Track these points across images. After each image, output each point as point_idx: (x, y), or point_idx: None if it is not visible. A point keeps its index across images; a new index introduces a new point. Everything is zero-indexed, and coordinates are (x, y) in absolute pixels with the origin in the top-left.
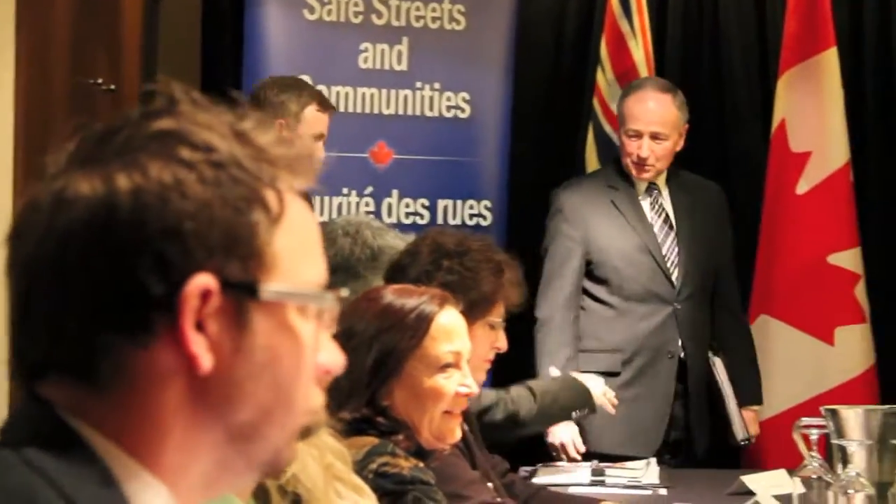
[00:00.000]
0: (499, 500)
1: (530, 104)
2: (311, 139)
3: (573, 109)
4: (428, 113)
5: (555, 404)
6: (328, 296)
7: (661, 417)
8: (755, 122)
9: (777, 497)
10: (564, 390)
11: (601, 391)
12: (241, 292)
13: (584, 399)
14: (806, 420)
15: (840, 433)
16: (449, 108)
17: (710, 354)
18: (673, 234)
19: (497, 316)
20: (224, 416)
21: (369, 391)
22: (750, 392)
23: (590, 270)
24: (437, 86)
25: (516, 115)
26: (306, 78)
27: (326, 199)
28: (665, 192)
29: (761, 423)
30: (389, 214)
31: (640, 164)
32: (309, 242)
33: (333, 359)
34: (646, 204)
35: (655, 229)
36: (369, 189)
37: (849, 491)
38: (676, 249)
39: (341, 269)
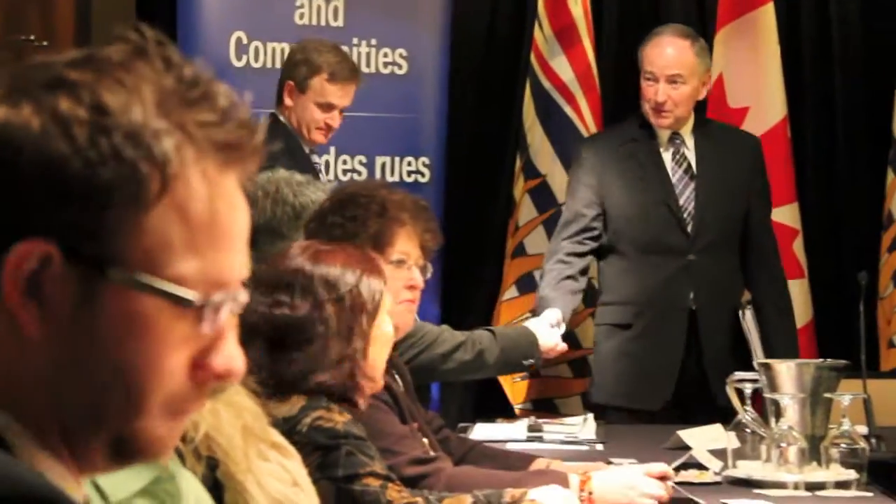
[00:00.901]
0: (432, 454)
1: (468, 60)
2: (314, 108)
3: (511, 65)
4: (365, 69)
5: (515, 350)
6: (188, 295)
7: (669, 372)
8: None
9: (712, 451)
10: (521, 337)
11: (553, 343)
12: (88, 268)
13: (533, 349)
14: (739, 374)
15: (773, 387)
16: (386, 64)
17: (745, 305)
18: (693, 185)
19: (399, 253)
20: (63, 390)
21: (355, 348)
22: (782, 346)
23: (606, 222)
24: (373, 42)
25: (454, 71)
26: (241, 35)
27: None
28: (690, 142)
29: None
30: (327, 171)
31: (658, 109)
32: (202, 235)
33: (229, 364)
34: (667, 154)
35: (674, 180)
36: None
37: (781, 444)
38: (695, 200)
39: (265, 231)
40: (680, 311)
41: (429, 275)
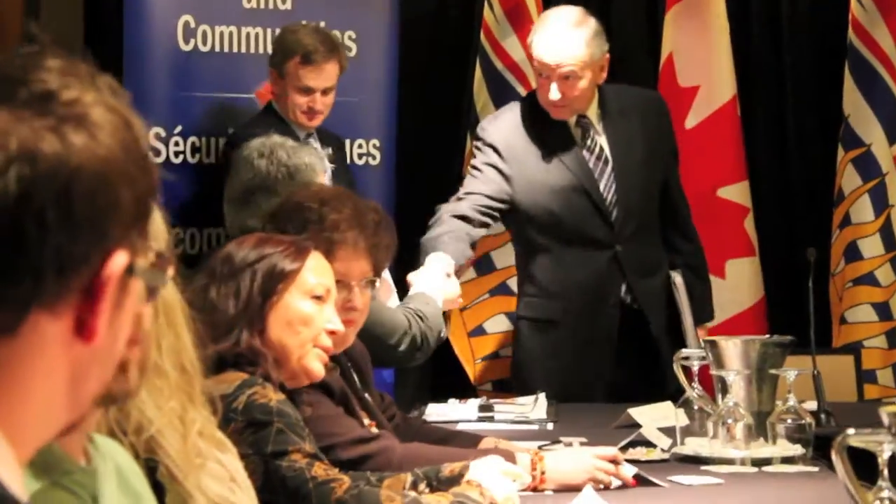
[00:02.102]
0: (374, 431)
1: (418, 41)
2: (294, 93)
3: (462, 47)
4: None
5: (435, 328)
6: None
7: (602, 370)
8: (644, 58)
9: (662, 429)
10: (435, 312)
11: (454, 295)
12: (129, 269)
13: (443, 321)
14: (686, 352)
15: (719, 364)
16: None
17: (670, 271)
18: (609, 170)
19: (337, 274)
20: (78, 388)
21: (248, 317)
22: (702, 309)
23: (524, 213)
24: (322, 24)
25: (404, 52)
26: (188, 19)
27: (213, 140)
28: (598, 124)
29: None
30: None
31: (554, 105)
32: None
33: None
34: (578, 139)
35: (590, 165)
36: None
37: (728, 420)
38: (614, 186)
39: (260, 189)
40: (612, 306)
41: (378, 286)
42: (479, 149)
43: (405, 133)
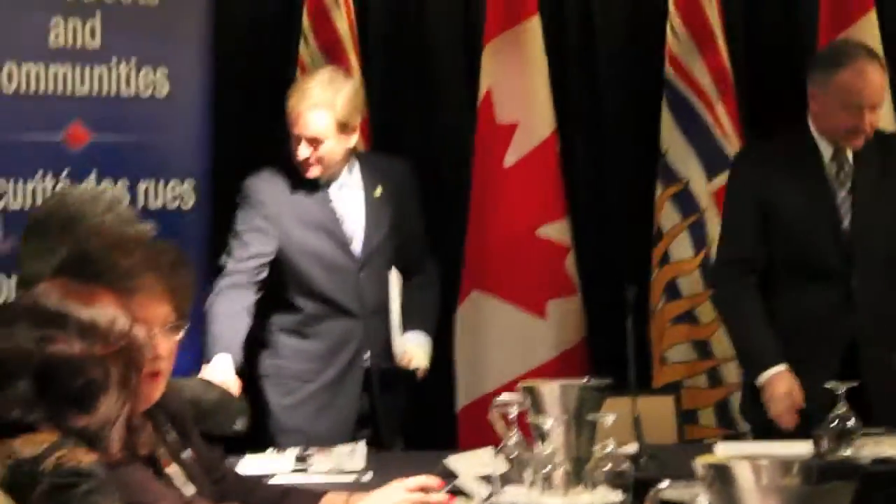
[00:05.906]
0: (188, 495)
1: (233, 79)
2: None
3: (277, 83)
4: (124, 91)
5: None
6: None
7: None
8: (461, 94)
9: (481, 477)
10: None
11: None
12: None
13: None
14: (503, 398)
15: (538, 409)
16: (146, 85)
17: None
18: (856, 204)
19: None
20: None
21: None
22: None
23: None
24: (133, 62)
25: (218, 90)
26: None
27: (20, 185)
28: (851, 160)
29: (475, 402)
30: None
31: (858, 133)
32: None
33: None
34: (832, 171)
35: (837, 200)
36: (65, 172)
37: (545, 467)
38: (857, 221)
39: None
40: (837, 341)
41: (182, 334)
42: (735, 178)
43: (221, 173)
